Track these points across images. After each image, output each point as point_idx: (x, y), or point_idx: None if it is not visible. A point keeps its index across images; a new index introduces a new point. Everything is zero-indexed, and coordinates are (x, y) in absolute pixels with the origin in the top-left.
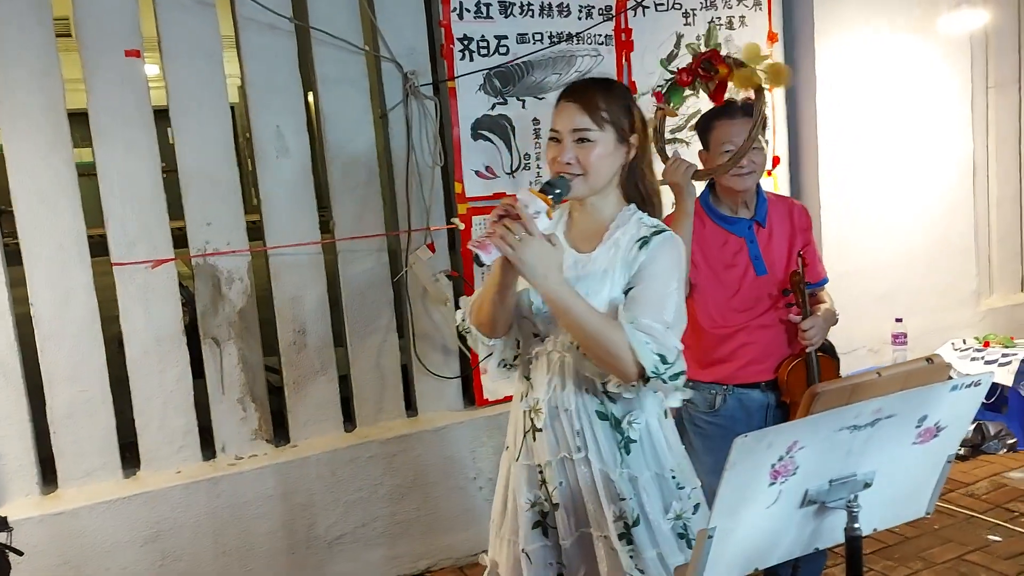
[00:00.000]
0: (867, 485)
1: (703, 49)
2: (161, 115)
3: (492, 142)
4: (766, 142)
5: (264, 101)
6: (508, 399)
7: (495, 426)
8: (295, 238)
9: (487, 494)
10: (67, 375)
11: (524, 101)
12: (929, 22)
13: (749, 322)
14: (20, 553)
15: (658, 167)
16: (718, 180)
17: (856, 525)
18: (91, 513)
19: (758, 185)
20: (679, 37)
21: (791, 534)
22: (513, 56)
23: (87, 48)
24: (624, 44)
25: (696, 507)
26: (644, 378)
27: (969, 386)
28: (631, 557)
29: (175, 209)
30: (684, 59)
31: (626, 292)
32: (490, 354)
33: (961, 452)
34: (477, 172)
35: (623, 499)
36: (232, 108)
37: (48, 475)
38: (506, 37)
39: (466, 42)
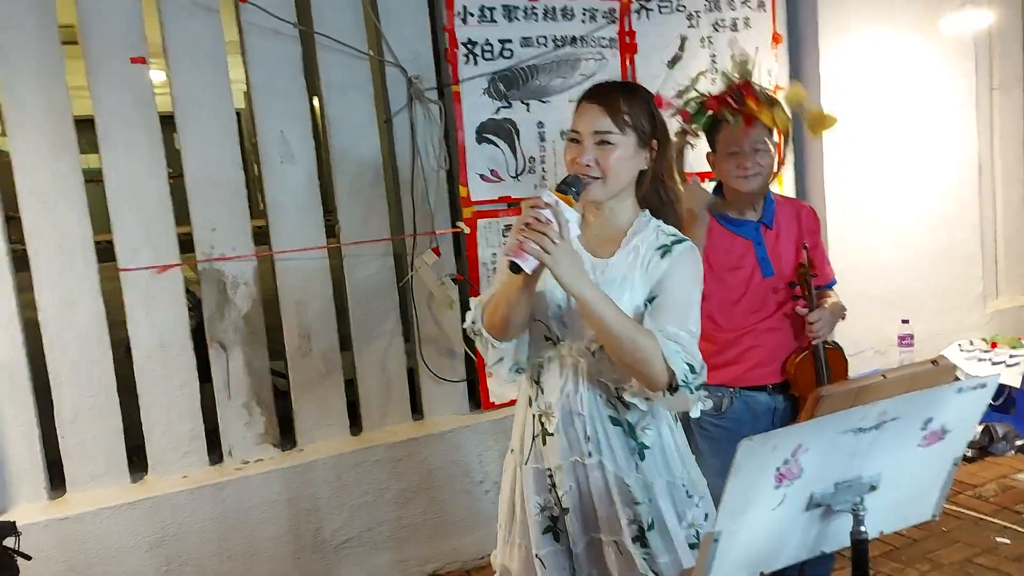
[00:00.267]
0: (873, 488)
1: (735, 77)
2: (167, 121)
3: (497, 146)
4: (774, 144)
5: (269, 106)
6: (514, 402)
7: (501, 429)
8: (301, 243)
9: (493, 497)
10: (74, 380)
11: (528, 105)
12: (933, 23)
13: (756, 324)
14: (28, 557)
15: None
16: (725, 182)
17: (862, 528)
18: (97, 518)
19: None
20: (683, 39)
21: (797, 537)
22: (517, 60)
23: (92, 55)
24: (628, 47)
25: (706, 516)
26: (671, 387)
27: (975, 388)
28: (645, 560)
29: (181, 214)
30: (689, 62)
31: (648, 301)
32: (500, 359)
33: (969, 454)
34: (482, 176)
35: (638, 503)
36: (237, 113)
37: (55, 479)
38: (510, 41)
39: (470, 46)
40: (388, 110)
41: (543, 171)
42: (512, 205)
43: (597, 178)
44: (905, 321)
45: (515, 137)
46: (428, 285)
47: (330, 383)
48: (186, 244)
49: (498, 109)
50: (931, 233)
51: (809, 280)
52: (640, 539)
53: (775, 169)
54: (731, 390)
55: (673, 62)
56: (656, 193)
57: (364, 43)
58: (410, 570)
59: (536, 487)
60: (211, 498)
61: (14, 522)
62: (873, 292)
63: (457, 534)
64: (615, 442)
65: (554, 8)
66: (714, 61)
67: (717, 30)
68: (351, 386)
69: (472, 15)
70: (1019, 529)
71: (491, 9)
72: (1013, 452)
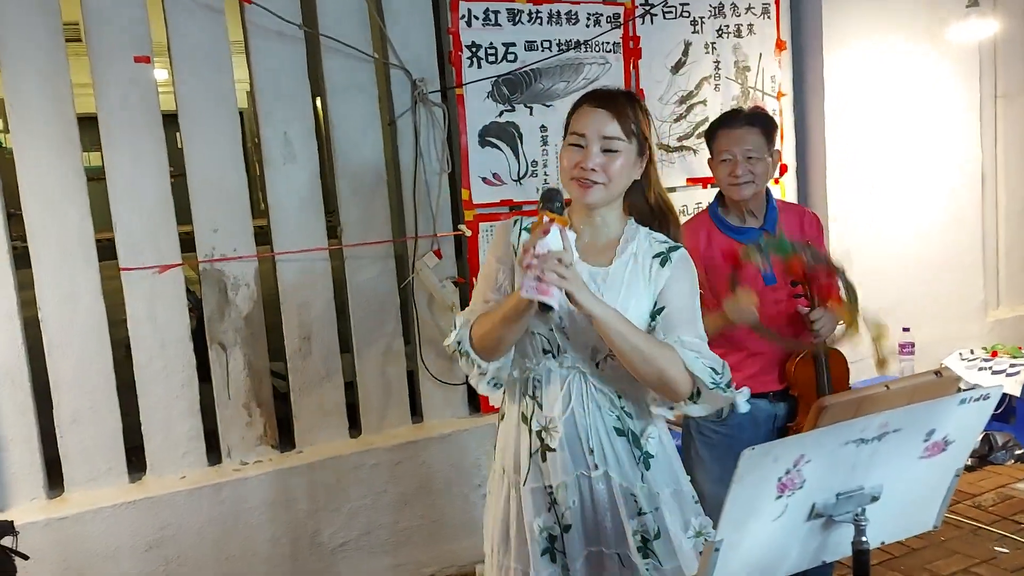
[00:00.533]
0: (874, 499)
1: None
2: (170, 120)
3: (500, 149)
4: (776, 151)
5: (273, 107)
6: None
7: None
8: (302, 244)
9: None
10: (74, 379)
11: (532, 108)
12: (938, 31)
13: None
14: (25, 557)
15: None
16: (721, 188)
17: (864, 539)
18: (95, 518)
19: (768, 193)
20: (687, 45)
21: (798, 547)
22: (521, 63)
23: (97, 53)
24: (632, 52)
25: (714, 524)
26: (695, 394)
27: (978, 400)
28: (648, 571)
29: (183, 214)
30: (694, 66)
31: (656, 312)
32: (483, 374)
33: (968, 463)
34: (484, 179)
35: (643, 513)
36: (241, 114)
37: (54, 479)
38: (514, 44)
39: (474, 49)
40: (392, 112)
41: (545, 175)
42: (515, 208)
43: (600, 183)
44: (906, 329)
45: (518, 141)
46: (429, 288)
47: (330, 385)
48: (187, 244)
49: (501, 112)
50: (933, 242)
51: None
52: (643, 550)
53: (770, 177)
54: None
55: (677, 67)
56: (647, 202)
57: (368, 45)
58: (407, 574)
59: (536, 508)
60: (209, 499)
61: (12, 521)
62: (874, 301)
63: (455, 538)
64: (620, 452)
65: (558, 12)
66: (718, 67)
67: (721, 36)
68: (351, 388)
69: (476, 18)
70: (1018, 539)
71: (495, 13)
72: (1013, 461)
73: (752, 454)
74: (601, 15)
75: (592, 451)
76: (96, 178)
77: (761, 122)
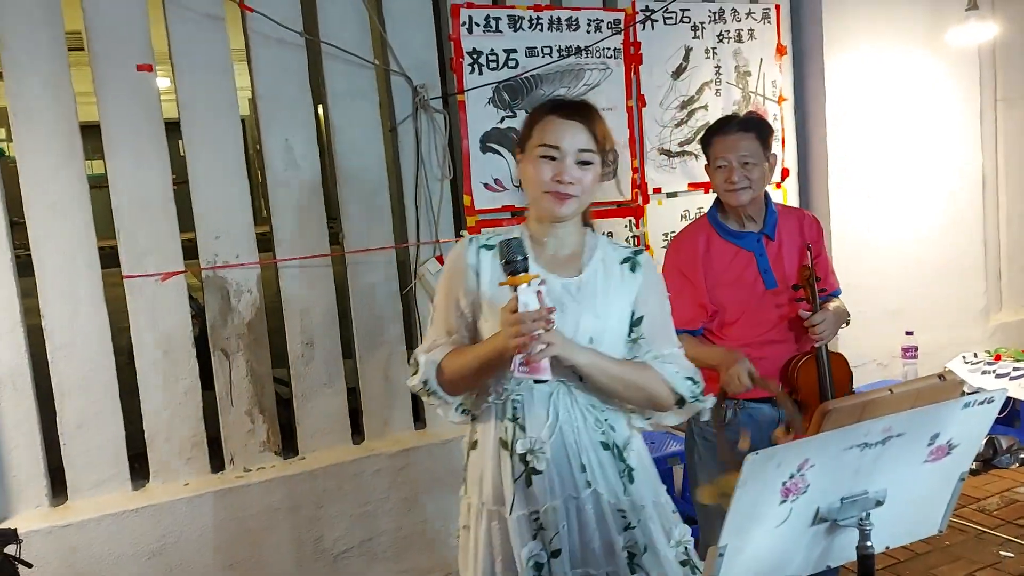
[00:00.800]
0: (879, 503)
1: None
2: (172, 128)
3: (501, 155)
4: (773, 155)
5: (274, 114)
6: None
7: None
8: (304, 250)
9: None
10: (77, 386)
11: None
12: (938, 35)
13: (759, 336)
14: (29, 565)
15: None
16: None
17: (868, 543)
18: (99, 525)
19: (767, 197)
20: (687, 50)
21: (802, 552)
22: (522, 70)
23: (99, 62)
24: (633, 57)
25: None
26: (679, 403)
27: (982, 403)
28: None
29: (185, 221)
30: (695, 71)
31: (634, 321)
32: (448, 403)
33: (973, 467)
34: (486, 185)
35: (630, 528)
36: (242, 121)
37: (57, 486)
38: (515, 51)
39: (475, 56)
40: (393, 119)
41: None
42: (516, 214)
43: (574, 196)
44: (909, 333)
45: None
46: (431, 294)
47: (332, 391)
48: (190, 251)
49: (502, 119)
50: (935, 246)
51: (813, 282)
52: (632, 565)
53: (768, 182)
54: (734, 401)
55: (677, 73)
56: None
57: (370, 52)
58: None
59: (523, 537)
60: (212, 506)
61: (15, 529)
62: (877, 304)
63: (458, 545)
64: (607, 468)
65: (559, 18)
66: (718, 72)
67: (722, 41)
68: (353, 394)
69: (478, 25)
70: (1022, 543)
71: (496, 19)
72: (1017, 465)
73: (756, 459)
74: (602, 21)
75: (584, 468)
76: (99, 186)
77: (756, 127)
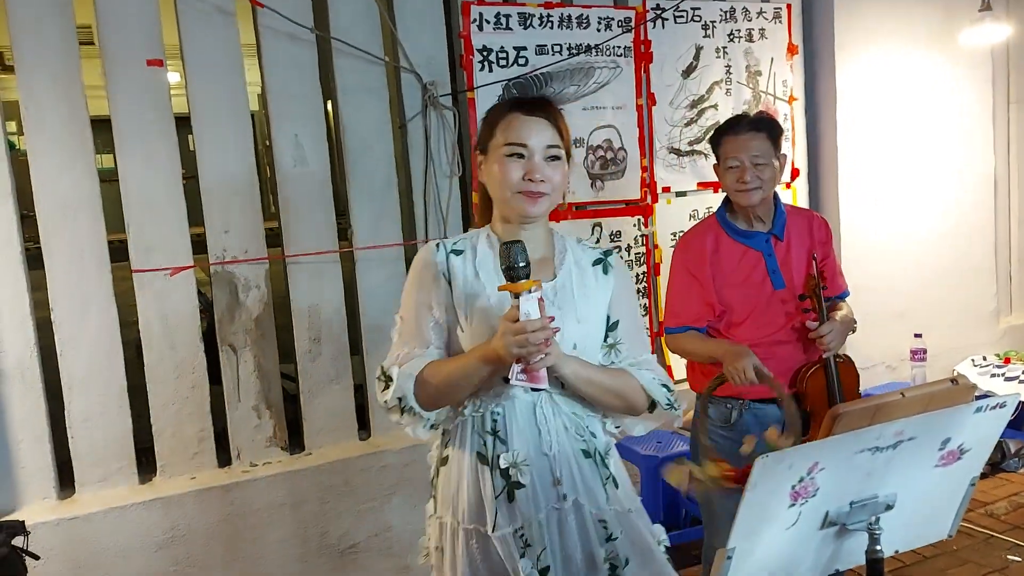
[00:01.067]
0: (889, 507)
1: None
2: (182, 123)
3: None
4: (784, 155)
5: (284, 110)
6: None
7: None
8: (313, 246)
9: None
10: (85, 380)
11: None
12: (950, 36)
13: (767, 336)
14: (36, 557)
15: None
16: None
17: (878, 547)
18: (106, 518)
19: (776, 198)
20: (698, 49)
21: (811, 556)
22: (532, 67)
23: (110, 56)
24: (643, 56)
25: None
26: (650, 408)
27: (994, 408)
28: None
29: (195, 216)
30: (705, 70)
31: (610, 326)
32: (420, 418)
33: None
34: None
35: (612, 539)
36: (252, 116)
37: (65, 479)
38: (525, 48)
39: (485, 53)
40: (403, 115)
41: None
42: None
43: (546, 194)
44: (918, 335)
45: None
46: None
47: (339, 387)
48: (198, 245)
49: None
50: (945, 248)
51: (819, 293)
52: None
53: (778, 182)
54: (740, 402)
55: (688, 72)
56: None
57: (380, 49)
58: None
59: (509, 558)
60: (219, 500)
61: (23, 521)
62: (886, 306)
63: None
64: (589, 477)
65: (569, 16)
66: (729, 71)
67: (732, 40)
68: (360, 390)
69: (488, 22)
70: None
71: (507, 16)
72: None
73: (766, 462)
74: (612, 19)
75: (560, 481)
76: (109, 180)
77: (767, 127)
